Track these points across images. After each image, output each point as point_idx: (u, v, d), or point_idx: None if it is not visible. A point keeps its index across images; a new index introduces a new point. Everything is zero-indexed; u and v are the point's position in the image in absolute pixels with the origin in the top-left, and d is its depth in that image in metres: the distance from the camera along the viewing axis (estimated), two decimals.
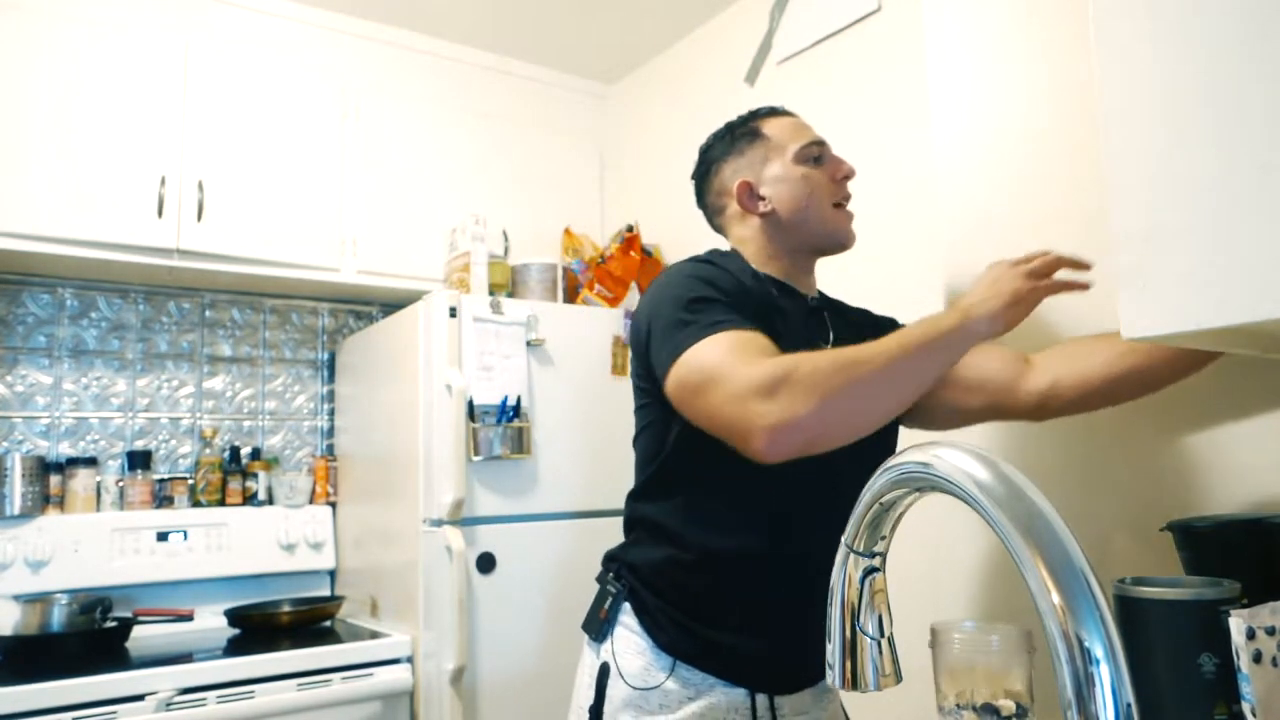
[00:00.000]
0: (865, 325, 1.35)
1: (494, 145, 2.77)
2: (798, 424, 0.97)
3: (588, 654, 1.21)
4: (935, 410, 1.30)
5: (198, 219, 2.23)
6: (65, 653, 1.94)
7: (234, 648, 2.07)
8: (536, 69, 2.99)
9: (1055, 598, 0.41)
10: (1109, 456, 1.62)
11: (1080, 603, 0.41)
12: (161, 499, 2.41)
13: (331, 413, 2.77)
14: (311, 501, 2.61)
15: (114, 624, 2.08)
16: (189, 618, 2.32)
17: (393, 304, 2.71)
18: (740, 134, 1.32)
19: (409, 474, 2.19)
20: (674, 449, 1.17)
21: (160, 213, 2.18)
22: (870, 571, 0.58)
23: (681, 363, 1.05)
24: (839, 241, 1.31)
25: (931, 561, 1.85)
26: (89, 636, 2.01)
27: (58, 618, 2.03)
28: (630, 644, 1.16)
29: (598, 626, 1.20)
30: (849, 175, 1.30)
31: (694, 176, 1.38)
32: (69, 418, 2.39)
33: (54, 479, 2.27)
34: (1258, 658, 0.83)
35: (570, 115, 3.05)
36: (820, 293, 1.37)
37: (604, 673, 1.16)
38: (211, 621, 2.33)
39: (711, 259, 1.22)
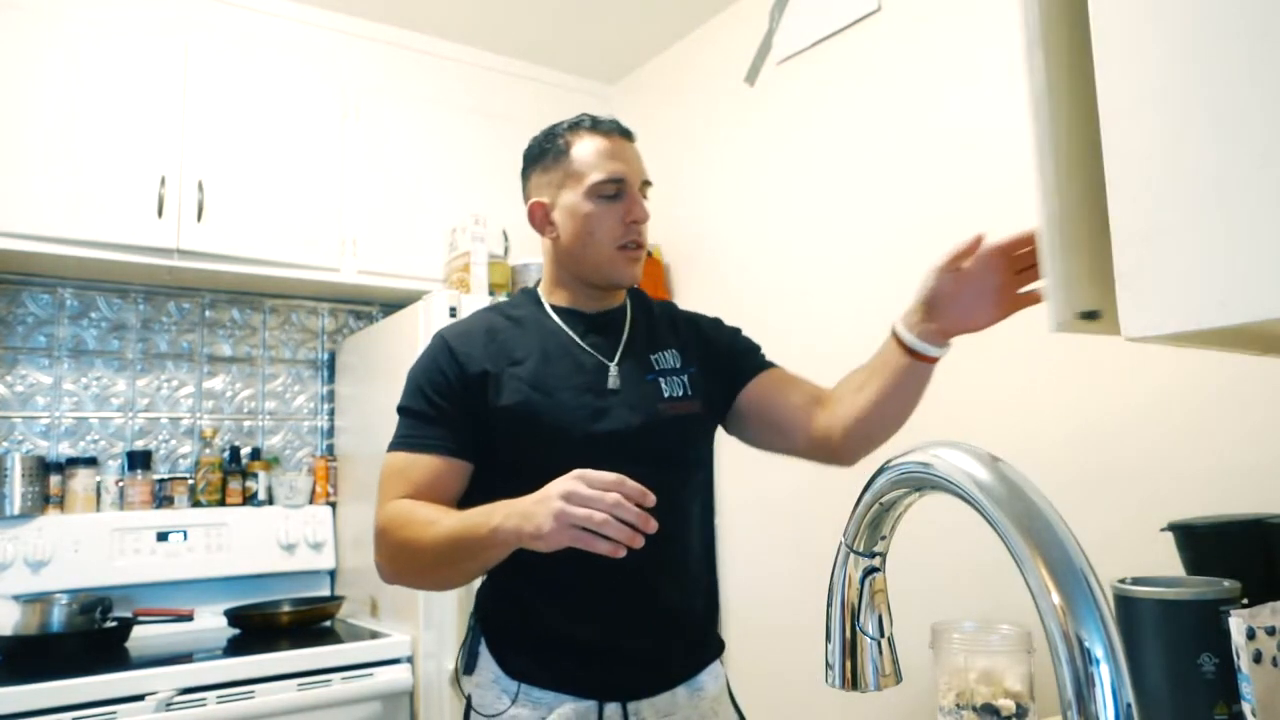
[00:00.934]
0: (675, 325, 1.38)
1: (494, 145, 2.76)
2: (386, 573, 1.17)
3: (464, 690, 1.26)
4: (753, 442, 1.37)
5: (198, 219, 2.23)
6: (65, 653, 1.94)
7: (234, 648, 2.07)
8: (537, 69, 2.99)
9: (1055, 598, 0.41)
10: (1109, 456, 1.62)
11: (1080, 603, 0.41)
12: (161, 499, 2.41)
13: (331, 413, 2.77)
14: (311, 501, 2.61)
15: (114, 624, 2.08)
16: (189, 618, 2.32)
17: (393, 304, 2.71)
18: (550, 147, 1.30)
19: None
20: (481, 490, 1.20)
21: (160, 213, 2.18)
22: (870, 571, 0.58)
23: (383, 465, 1.22)
24: (614, 283, 1.29)
25: (931, 562, 1.85)
26: (89, 636, 2.01)
27: (58, 618, 2.03)
28: (486, 674, 1.21)
29: (465, 661, 1.25)
30: (638, 220, 1.26)
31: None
32: (69, 418, 2.39)
33: (54, 479, 2.27)
34: (1258, 658, 0.83)
35: (571, 115, 3.04)
36: (627, 303, 1.36)
37: (468, 708, 1.22)
38: (211, 621, 2.33)
39: (456, 333, 1.27)
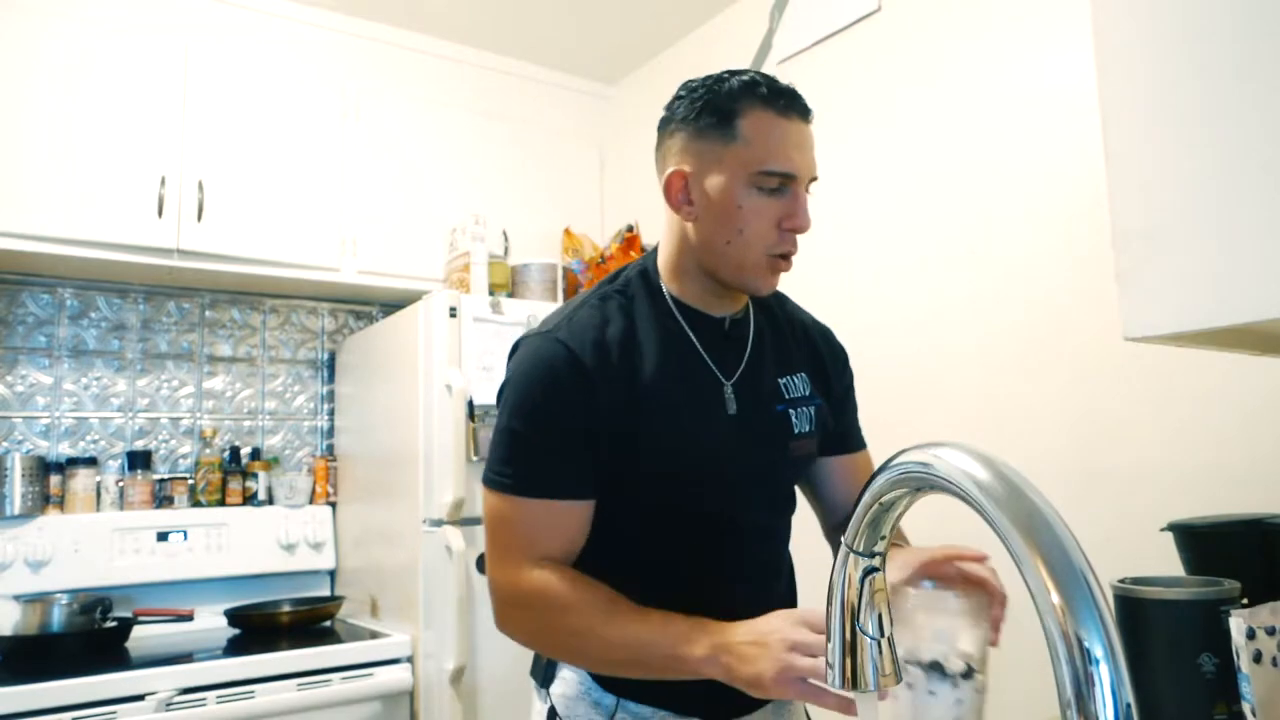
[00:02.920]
0: (796, 337, 1.20)
1: (494, 145, 2.77)
2: (520, 641, 1.04)
3: (536, 701, 1.15)
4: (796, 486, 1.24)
5: (198, 219, 2.23)
6: (65, 653, 1.94)
7: (234, 648, 2.07)
8: (537, 69, 2.99)
9: (1054, 597, 0.41)
10: (1109, 456, 1.62)
11: (1079, 602, 0.41)
12: (161, 499, 2.41)
13: (331, 413, 2.77)
14: (311, 501, 2.61)
15: (114, 624, 2.08)
16: (189, 618, 2.32)
17: (393, 304, 2.71)
18: (713, 107, 1.03)
19: (409, 474, 2.19)
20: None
21: (160, 213, 2.18)
22: (870, 571, 0.58)
23: (485, 497, 1.08)
24: (749, 291, 1.09)
25: None
26: (89, 636, 2.01)
27: (58, 618, 2.03)
28: (573, 686, 1.09)
29: (542, 671, 1.14)
30: (799, 228, 1.03)
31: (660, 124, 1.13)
32: (69, 418, 2.39)
33: (54, 479, 2.27)
34: (1258, 658, 0.83)
35: (571, 115, 3.05)
36: (750, 305, 1.16)
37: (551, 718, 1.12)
38: (211, 621, 2.33)
39: (584, 342, 1.03)
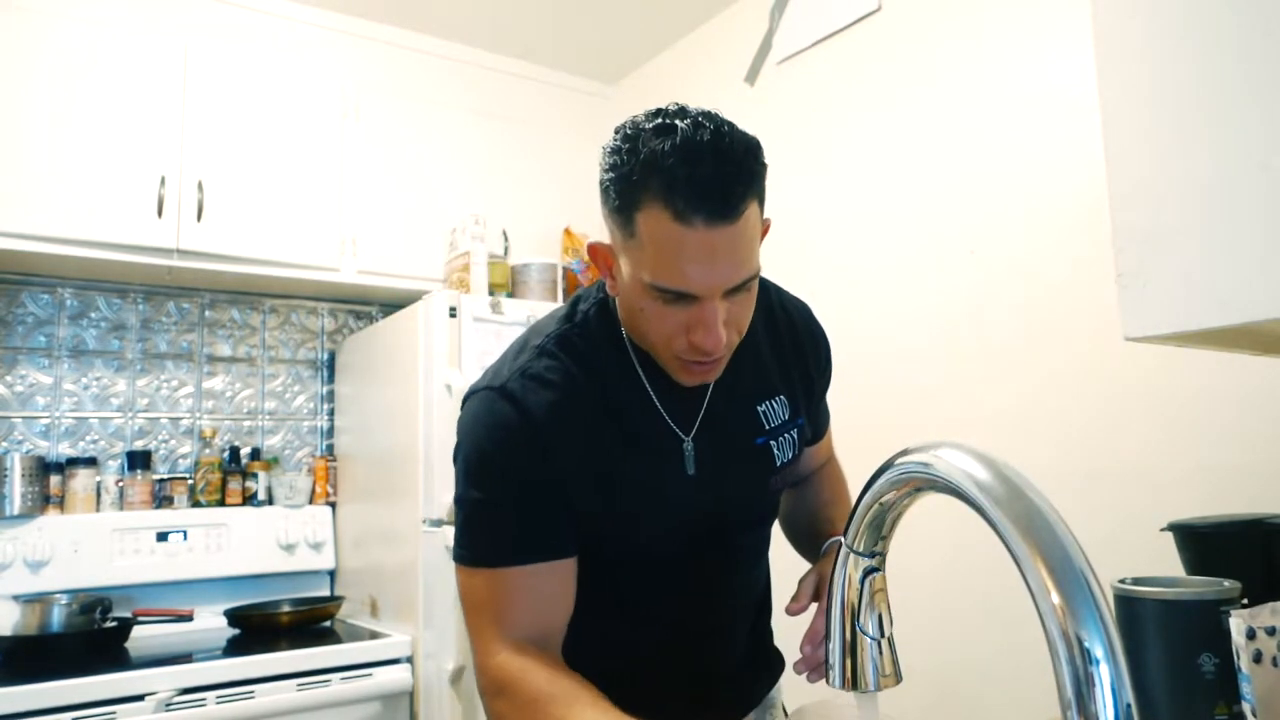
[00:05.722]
0: (781, 347, 1.09)
1: (494, 145, 2.77)
2: None
3: None
4: None
5: (197, 219, 2.23)
6: (65, 653, 1.94)
7: (234, 648, 2.07)
8: (536, 69, 2.99)
9: (1055, 598, 0.41)
10: (1109, 456, 1.62)
11: (1080, 603, 0.41)
12: (161, 499, 2.41)
13: (331, 413, 2.77)
14: (311, 501, 2.61)
15: (113, 624, 2.08)
16: (189, 618, 2.32)
17: (393, 304, 2.71)
18: (617, 187, 0.87)
19: (409, 474, 2.19)
20: None
21: (160, 213, 2.18)
22: (870, 571, 0.58)
23: (458, 573, 0.96)
24: (675, 379, 0.97)
25: (931, 561, 1.85)
26: (88, 636, 2.01)
27: (57, 618, 2.03)
28: None
29: None
30: (702, 349, 0.88)
31: None
32: (69, 418, 2.39)
33: (54, 479, 2.27)
34: (1258, 658, 0.83)
35: (570, 115, 3.04)
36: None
37: None
38: (211, 621, 2.33)
39: (547, 416, 0.92)
